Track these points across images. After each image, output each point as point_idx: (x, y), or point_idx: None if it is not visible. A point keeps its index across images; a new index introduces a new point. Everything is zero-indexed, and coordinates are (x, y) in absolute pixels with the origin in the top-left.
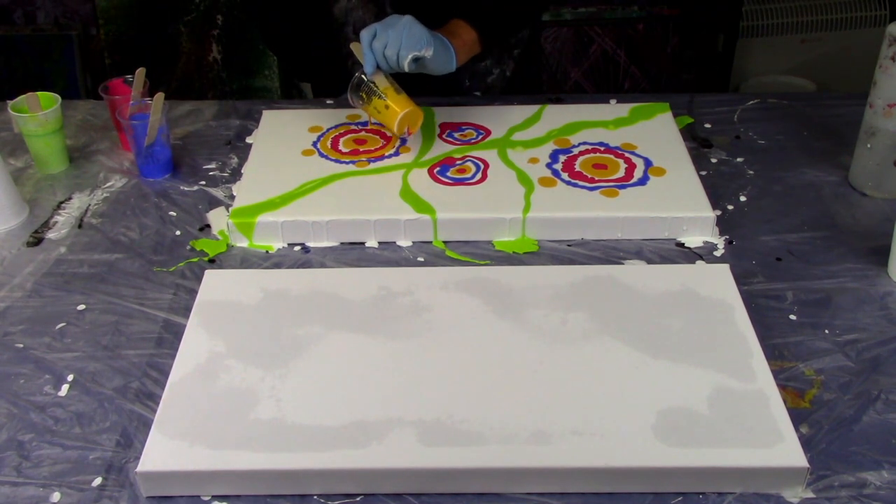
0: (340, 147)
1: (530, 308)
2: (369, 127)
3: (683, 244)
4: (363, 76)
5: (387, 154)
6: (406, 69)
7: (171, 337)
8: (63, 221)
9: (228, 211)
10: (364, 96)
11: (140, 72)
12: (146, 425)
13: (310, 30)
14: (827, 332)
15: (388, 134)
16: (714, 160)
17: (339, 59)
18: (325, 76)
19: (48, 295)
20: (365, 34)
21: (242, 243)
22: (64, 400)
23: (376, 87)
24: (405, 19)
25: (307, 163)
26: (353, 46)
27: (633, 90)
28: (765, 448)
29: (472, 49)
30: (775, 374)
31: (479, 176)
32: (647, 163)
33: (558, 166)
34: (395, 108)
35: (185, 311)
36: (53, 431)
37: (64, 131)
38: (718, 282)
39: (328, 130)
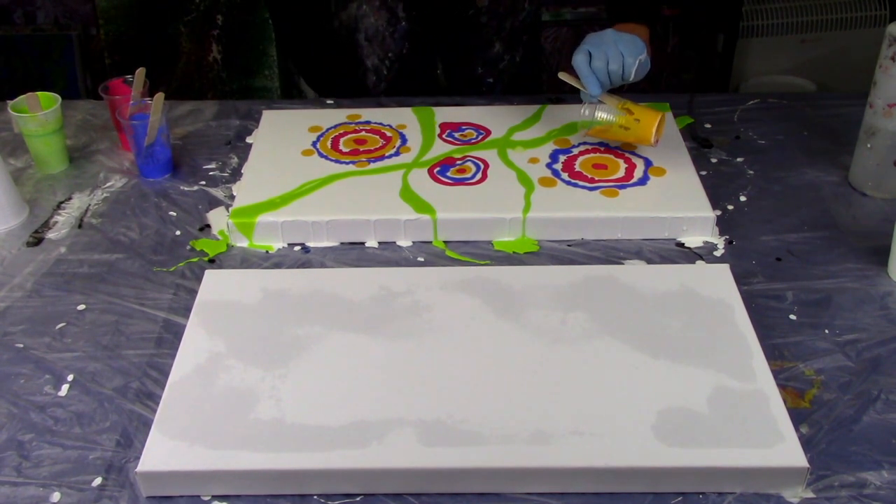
0: (340, 147)
1: (530, 308)
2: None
3: (683, 244)
4: (589, 104)
5: (387, 154)
6: (631, 78)
7: (171, 337)
8: (63, 221)
9: (228, 211)
10: (601, 120)
11: (140, 72)
12: (146, 425)
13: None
14: (827, 332)
15: (634, 145)
16: (714, 160)
17: (350, 66)
18: (337, 84)
19: (48, 295)
20: (580, 59)
21: (242, 243)
22: (64, 400)
23: (611, 106)
24: (608, 33)
25: (307, 163)
26: (562, 76)
27: (633, 90)
28: (765, 448)
29: (648, 40)
30: (775, 374)
31: (479, 176)
32: (647, 163)
33: (558, 166)
34: (649, 119)
35: (185, 311)
36: (53, 431)
37: (64, 131)
38: (718, 282)
39: (328, 130)
